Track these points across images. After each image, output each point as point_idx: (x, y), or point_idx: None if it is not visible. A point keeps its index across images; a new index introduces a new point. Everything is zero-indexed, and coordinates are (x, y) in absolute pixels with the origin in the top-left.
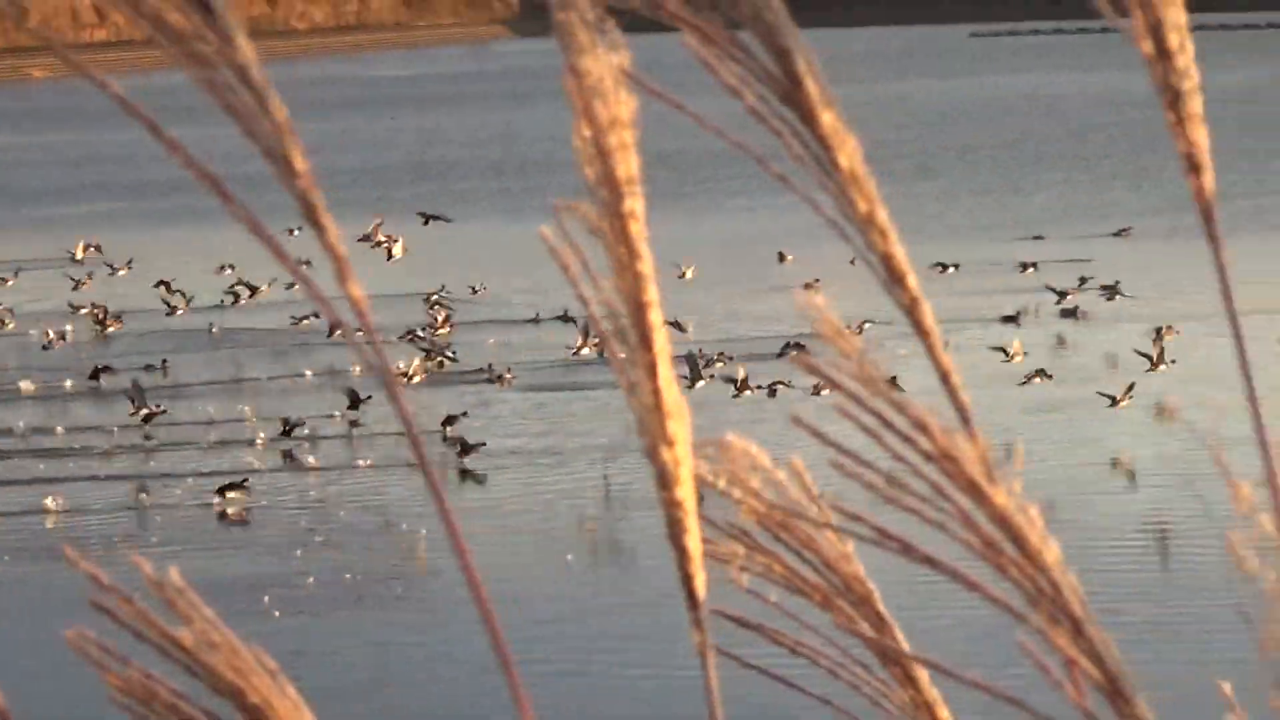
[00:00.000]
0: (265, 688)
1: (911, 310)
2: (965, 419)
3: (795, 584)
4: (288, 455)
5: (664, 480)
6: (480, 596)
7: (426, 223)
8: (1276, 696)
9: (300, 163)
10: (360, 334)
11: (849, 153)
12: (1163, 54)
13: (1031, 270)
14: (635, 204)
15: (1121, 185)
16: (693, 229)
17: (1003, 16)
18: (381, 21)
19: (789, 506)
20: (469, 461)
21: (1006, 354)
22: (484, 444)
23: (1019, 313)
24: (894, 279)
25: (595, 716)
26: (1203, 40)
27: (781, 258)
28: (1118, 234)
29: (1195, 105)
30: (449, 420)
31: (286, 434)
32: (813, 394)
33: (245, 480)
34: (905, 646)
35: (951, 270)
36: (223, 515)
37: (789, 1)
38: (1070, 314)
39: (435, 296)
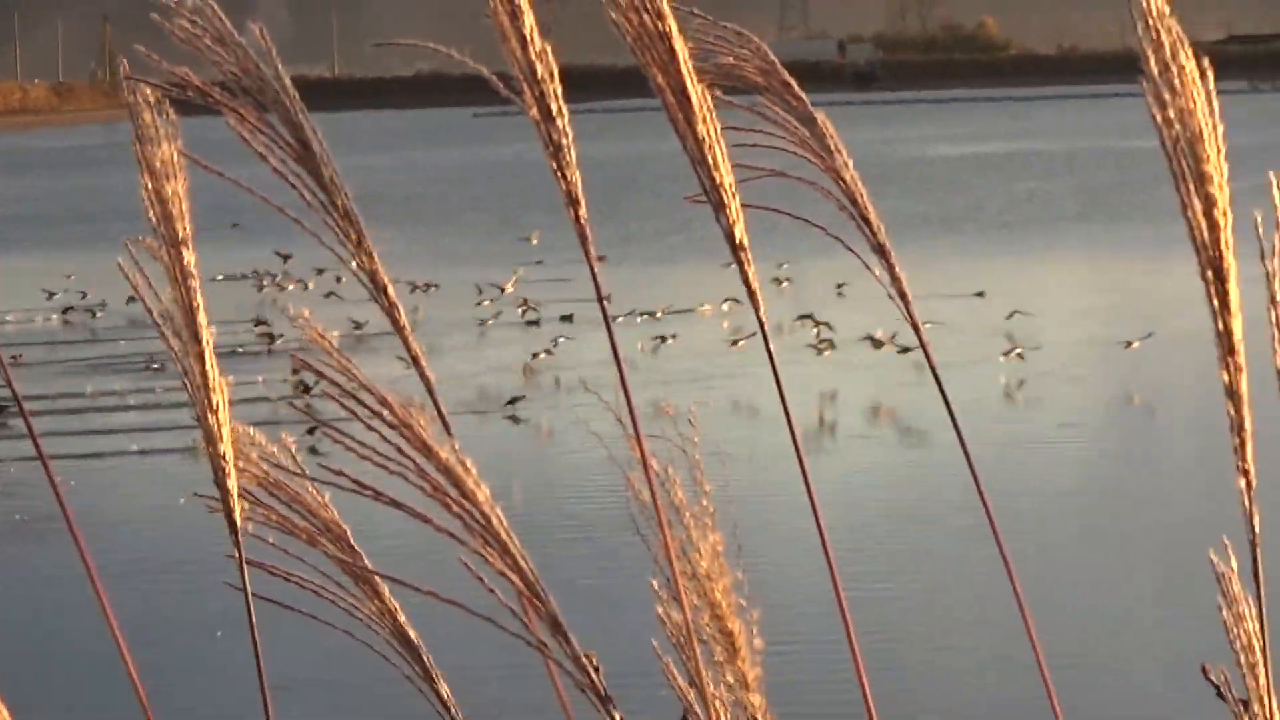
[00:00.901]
0: None
1: (391, 312)
2: (429, 389)
3: (287, 528)
4: None
5: (209, 437)
6: (80, 546)
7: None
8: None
9: None
10: None
11: (343, 197)
12: (546, 117)
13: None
14: (185, 235)
15: (594, 222)
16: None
17: (498, 101)
18: (39, 106)
19: (277, 470)
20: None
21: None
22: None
23: (539, 318)
24: (378, 289)
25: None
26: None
27: (337, 279)
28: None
29: (571, 156)
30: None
31: None
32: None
33: None
34: (371, 567)
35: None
36: None
37: (331, 90)
38: (567, 319)
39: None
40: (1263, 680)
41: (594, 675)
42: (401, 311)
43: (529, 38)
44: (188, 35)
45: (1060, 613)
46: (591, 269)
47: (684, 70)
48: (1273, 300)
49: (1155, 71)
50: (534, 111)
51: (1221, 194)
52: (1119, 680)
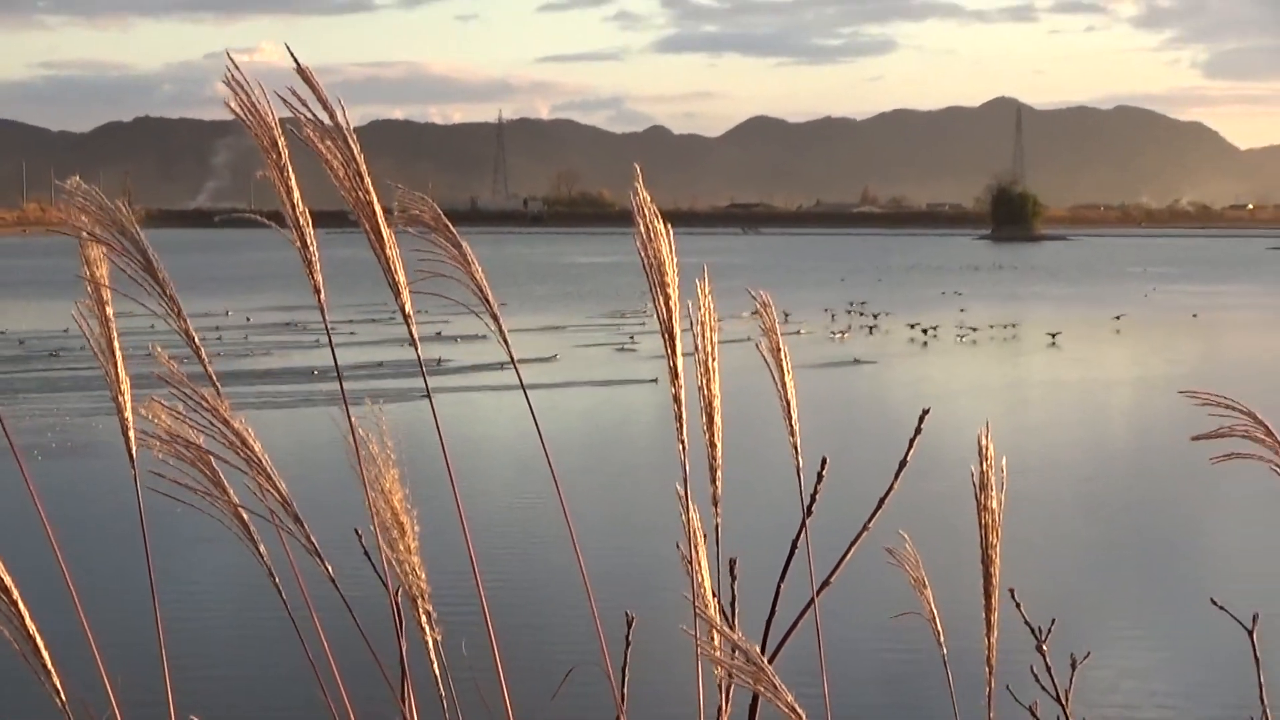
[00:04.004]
0: None
1: (198, 352)
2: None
3: (180, 455)
4: None
5: (118, 406)
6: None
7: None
8: (369, 507)
9: None
10: None
11: (171, 287)
12: (302, 243)
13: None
14: (107, 297)
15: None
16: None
17: (329, 224)
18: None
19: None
20: None
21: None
22: None
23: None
24: (189, 338)
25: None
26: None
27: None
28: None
29: (316, 263)
30: None
31: None
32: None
33: None
34: (227, 489)
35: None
36: None
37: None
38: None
39: None
40: (704, 566)
41: (317, 546)
42: (204, 353)
43: (293, 201)
44: (82, 205)
45: (618, 522)
46: (323, 315)
47: (379, 220)
48: (695, 348)
49: (642, 229)
50: (296, 242)
51: (674, 293)
52: (649, 560)
